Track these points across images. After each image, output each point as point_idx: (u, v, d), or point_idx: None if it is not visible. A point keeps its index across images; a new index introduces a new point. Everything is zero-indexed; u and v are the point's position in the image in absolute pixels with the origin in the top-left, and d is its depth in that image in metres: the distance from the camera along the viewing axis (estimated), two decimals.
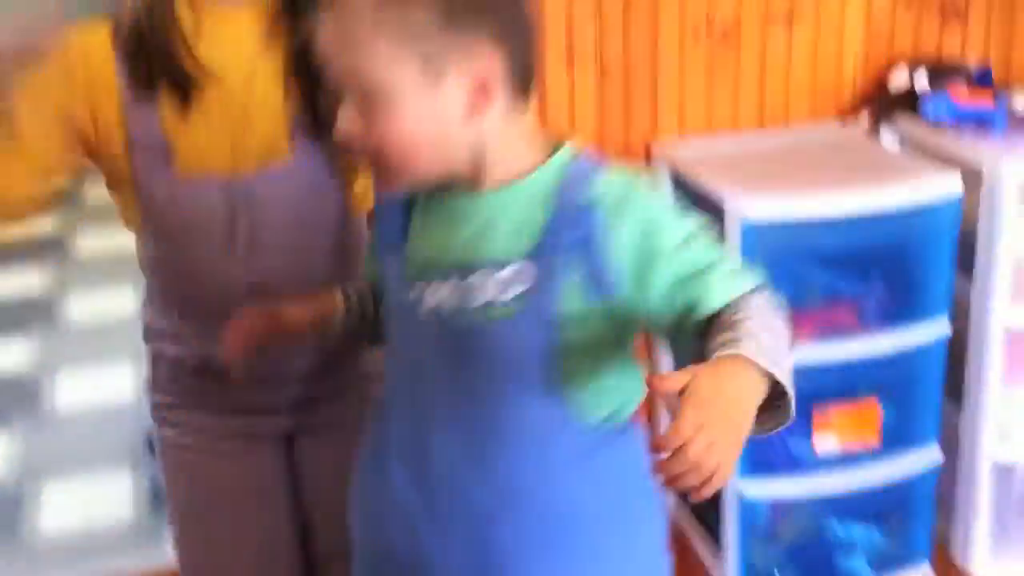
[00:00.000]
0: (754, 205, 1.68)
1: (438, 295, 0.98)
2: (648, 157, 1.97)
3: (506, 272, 0.96)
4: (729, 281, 0.93)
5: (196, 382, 1.27)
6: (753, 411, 0.83)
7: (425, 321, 0.98)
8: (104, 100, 1.16)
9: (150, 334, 1.31)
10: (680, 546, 2.05)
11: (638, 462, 1.02)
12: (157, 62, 1.15)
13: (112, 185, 1.22)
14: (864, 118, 2.00)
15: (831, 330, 1.77)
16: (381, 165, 0.95)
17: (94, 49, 1.16)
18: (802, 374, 1.74)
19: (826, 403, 1.79)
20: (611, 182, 0.96)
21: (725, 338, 0.86)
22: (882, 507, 1.90)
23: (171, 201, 1.18)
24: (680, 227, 0.95)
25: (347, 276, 1.21)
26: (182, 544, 1.35)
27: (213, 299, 1.19)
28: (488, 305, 0.96)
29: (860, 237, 1.75)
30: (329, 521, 1.29)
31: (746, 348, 0.84)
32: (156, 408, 1.34)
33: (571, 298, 0.95)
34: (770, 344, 0.86)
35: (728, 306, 0.91)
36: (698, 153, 1.91)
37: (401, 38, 0.90)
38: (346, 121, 0.93)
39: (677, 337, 0.95)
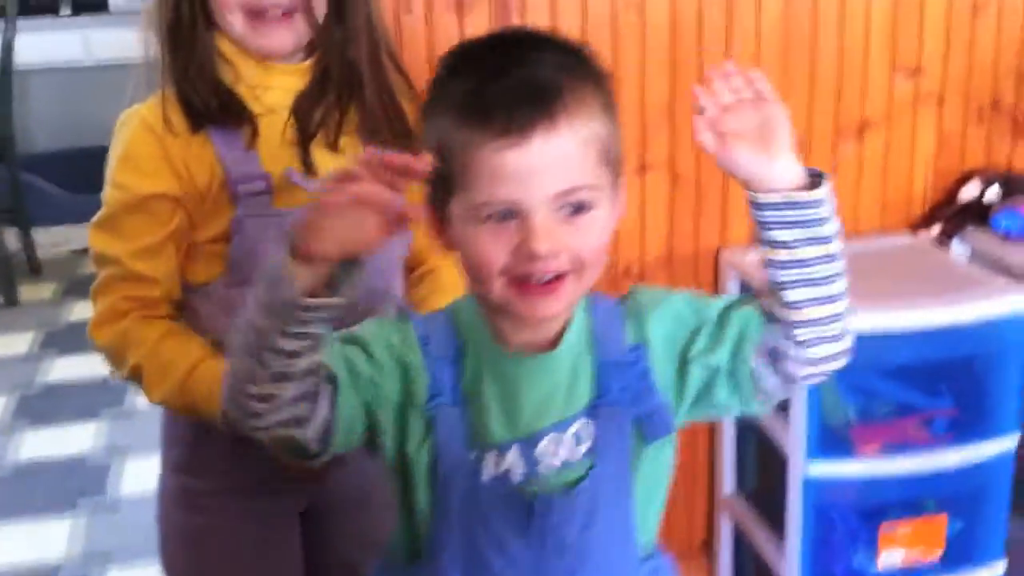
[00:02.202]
0: None
1: (505, 462, 0.94)
2: (717, 264, 1.99)
3: (571, 432, 0.95)
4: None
5: (226, 449, 1.25)
6: None
7: (489, 486, 0.94)
8: (194, 160, 1.20)
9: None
10: None
11: None
12: (214, 102, 1.20)
13: (198, 235, 1.24)
14: (935, 230, 2.00)
15: (899, 443, 1.75)
16: (573, 278, 0.90)
17: (155, 119, 1.20)
18: (869, 488, 1.75)
19: (892, 518, 1.77)
20: (645, 317, 0.97)
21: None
22: None
23: (264, 235, 1.20)
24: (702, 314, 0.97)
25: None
26: None
27: None
28: (558, 469, 0.94)
29: (929, 350, 1.74)
30: None
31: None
32: (179, 491, 1.33)
33: (635, 443, 0.96)
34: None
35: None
36: None
37: (599, 150, 0.90)
38: (552, 236, 0.88)
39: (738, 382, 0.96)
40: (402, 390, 0.94)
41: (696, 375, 0.96)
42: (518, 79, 0.88)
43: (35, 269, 4.01)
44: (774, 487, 1.85)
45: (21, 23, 3.79)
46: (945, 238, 1.97)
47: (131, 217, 1.20)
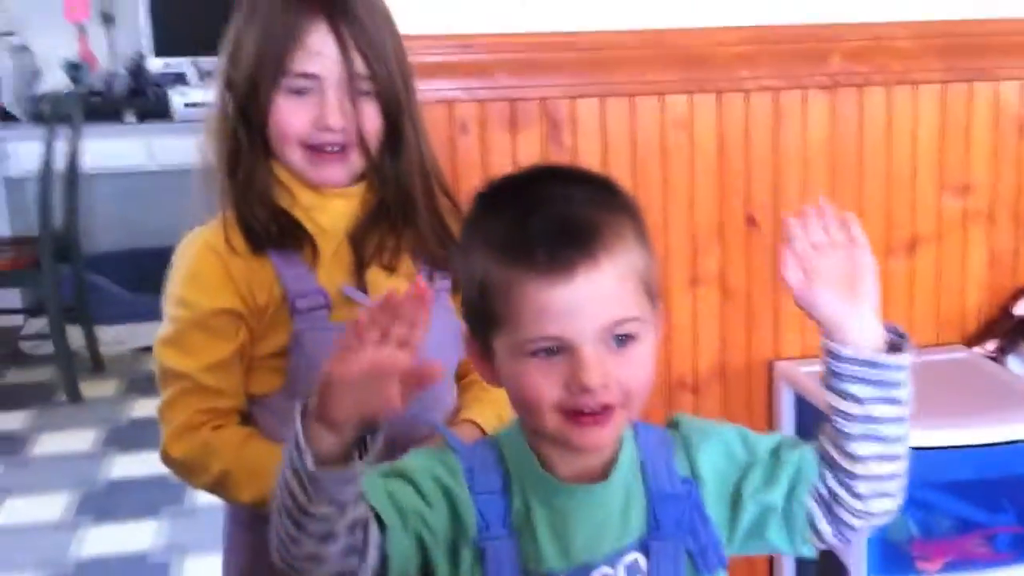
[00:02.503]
0: None
1: None
2: (770, 376, 2.01)
3: (624, 564, 0.94)
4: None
5: None
6: None
7: None
8: (255, 279, 1.25)
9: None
10: None
11: None
12: (273, 227, 1.25)
13: (257, 350, 1.28)
14: (990, 346, 2.01)
15: (962, 560, 1.75)
16: (621, 410, 0.90)
17: (217, 241, 1.25)
18: None
19: None
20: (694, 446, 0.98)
21: None
22: None
23: (328, 349, 1.24)
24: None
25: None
26: None
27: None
28: None
29: (989, 466, 1.74)
30: None
31: None
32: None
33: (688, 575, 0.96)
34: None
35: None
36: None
37: (638, 281, 0.91)
38: (601, 368, 0.88)
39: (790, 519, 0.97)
40: (451, 525, 0.93)
41: (749, 512, 0.97)
42: (556, 217, 0.89)
43: (98, 366, 4.10)
44: None
45: (87, 129, 3.93)
46: (1001, 354, 1.98)
47: (199, 333, 1.24)
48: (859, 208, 1.98)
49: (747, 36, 1.89)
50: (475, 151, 1.82)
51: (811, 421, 1.91)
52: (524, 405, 0.91)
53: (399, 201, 1.30)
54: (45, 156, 3.73)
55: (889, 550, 1.74)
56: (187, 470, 1.28)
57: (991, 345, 1.99)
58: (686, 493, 0.96)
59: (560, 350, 0.88)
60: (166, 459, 1.28)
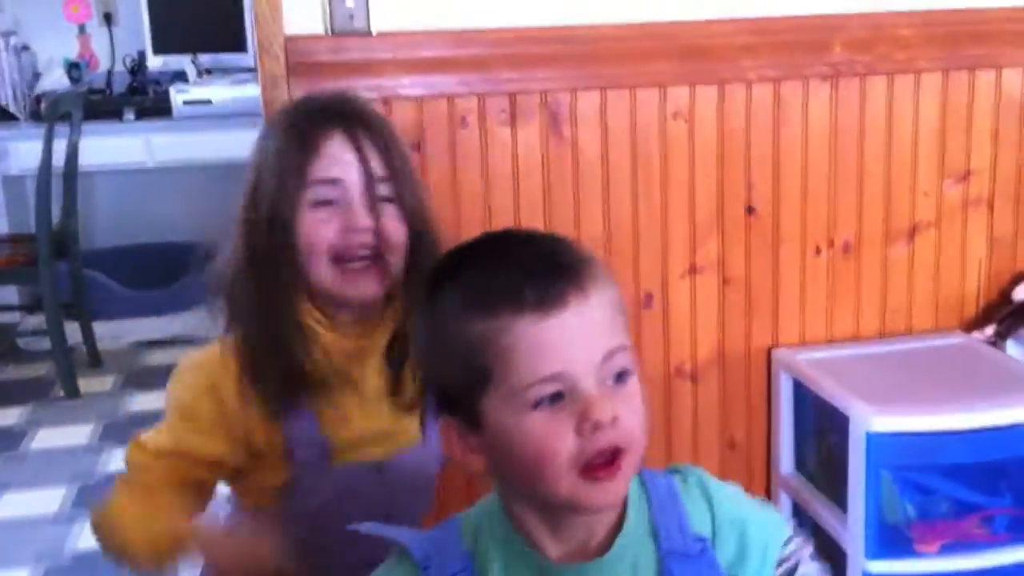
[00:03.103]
0: (879, 418, 1.70)
1: None
2: (769, 364, 2.02)
3: None
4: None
5: None
6: None
7: None
8: (256, 422, 1.24)
9: None
10: None
11: None
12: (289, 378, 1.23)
13: (247, 481, 1.30)
14: (989, 330, 2.02)
15: (959, 542, 1.75)
16: (627, 457, 0.86)
17: (229, 378, 1.23)
18: None
19: None
20: (707, 507, 0.94)
21: None
22: None
23: (323, 489, 1.26)
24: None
25: None
26: None
27: (340, 561, 1.21)
28: None
29: (987, 449, 1.75)
30: None
31: None
32: None
33: None
34: None
35: None
36: (820, 361, 1.94)
37: (619, 312, 0.89)
38: (608, 403, 0.85)
39: None
40: None
41: None
42: (535, 257, 0.88)
43: (95, 362, 4.10)
44: None
45: (87, 127, 3.94)
46: (999, 339, 1.99)
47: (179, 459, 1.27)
48: (859, 195, 1.99)
49: (748, 27, 1.89)
50: (475, 145, 1.83)
51: (809, 408, 1.92)
52: (533, 466, 0.84)
53: None
54: (44, 154, 3.74)
55: (887, 533, 1.74)
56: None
57: (990, 330, 2.00)
58: (699, 552, 0.92)
59: (561, 396, 0.84)
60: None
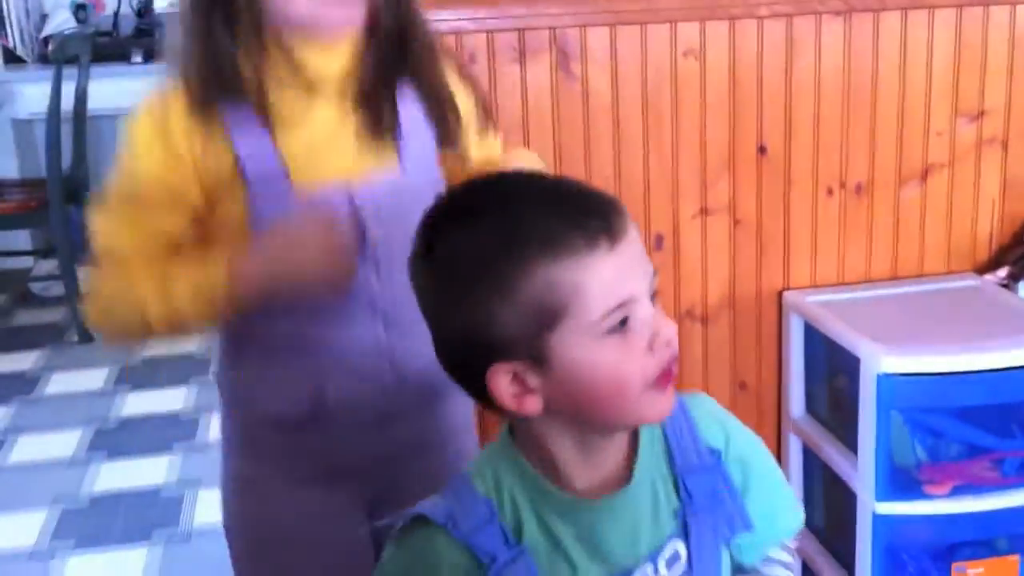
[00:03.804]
0: (890, 359, 1.70)
1: None
2: (780, 306, 2.01)
3: (665, 557, 0.94)
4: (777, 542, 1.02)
5: (287, 442, 1.27)
6: None
7: None
8: (206, 136, 1.16)
9: (238, 400, 1.30)
10: None
11: None
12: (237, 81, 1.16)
13: (209, 224, 1.21)
14: (1001, 273, 2.00)
15: (969, 484, 1.75)
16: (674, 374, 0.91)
17: (176, 109, 1.16)
18: (940, 527, 1.75)
19: (964, 557, 1.77)
20: (721, 427, 0.99)
21: None
22: None
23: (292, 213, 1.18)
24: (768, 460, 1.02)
25: None
26: None
27: (338, 330, 1.20)
28: None
29: (998, 392, 1.74)
30: None
31: None
32: (236, 481, 1.34)
33: (723, 546, 0.97)
34: None
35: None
36: (831, 303, 1.93)
37: None
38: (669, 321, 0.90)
39: None
40: None
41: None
42: (581, 195, 0.90)
43: None
44: (843, 524, 1.86)
45: (95, 70, 3.91)
46: (1012, 281, 1.98)
47: (135, 207, 1.19)
48: (872, 135, 1.97)
49: None
50: (484, 82, 1.80)
51: (820, 350, 1.92)
52: (611, 391, 0.88)
53: (399, 51, 1.22)
54: (53, 97, 3.72)
55: (897, 475, 1.75)
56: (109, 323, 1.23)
57: (1003, 272, 1.99)
58: (714, 464, 0.96)
59: (627, 320, 0.87)
60: (91, 318, 1.23)
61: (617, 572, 0.93)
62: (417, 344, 1.08)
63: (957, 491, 1.74)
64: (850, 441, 1.80)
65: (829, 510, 1.99)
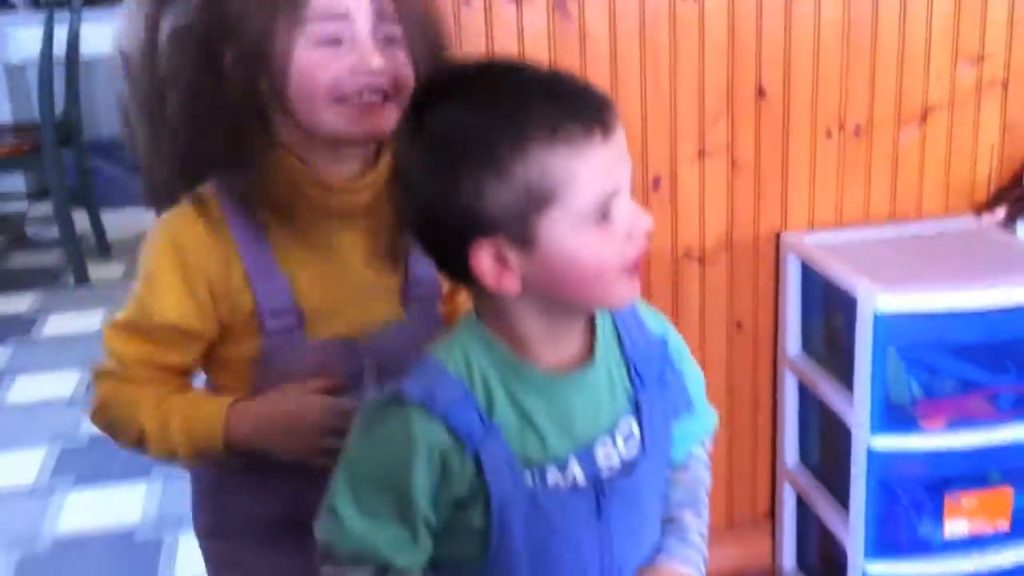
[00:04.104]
0: (887, 297, 1.72)
1: (568, 475, 0.97)
2: (778, 248, 2.02)
3: (621, 432, 1.00)
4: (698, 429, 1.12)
5: (246, 489, 1.25)
6: None
7: (553, 494, 0.97)
8: (226, 276, 1.14)
9: (222, 489, 1.27)
10: None
11: None
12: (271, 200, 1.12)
13: (219, 357, 1.20)
14: (999, 214, 2.02)
15: (964, 419, 1.78)
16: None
17: (194, 236, 1.13)
18: (933, 461, 1.78)
19: (957, 489, 1.80)
20: (659, 321, 1.07)
21: (673, 520, 1.08)
22: None
23: (297, 363, 1.18)
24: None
25: None
26: None
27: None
28: (618, 467, 0.99)
29: (993, 329, 1.77)
30: None
31: (684, 557, 1.05)
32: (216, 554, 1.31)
33: (671, 428, 1.05)
34: (699, 542, 1.07)
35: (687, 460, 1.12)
36: (828, 244, 1.95)
37: None
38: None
39: None
40: (448, 465, 0.94)
41: None
42: (581, 89, 0.93)
43: (104, 250, 4.12)
44: (837, 458, 1.89)
45: (87, 13, 3.88)
46: (1010, 221, 1.99)
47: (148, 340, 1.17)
48: (871, 77, 1.97)
49: None
50: (479, 24, 1.79)
51: (817, 290, 1.93)
52: (590, 275, 0.92)
53: None
54: (45, 41, 3.69)
55: (892, 411, 1.77)
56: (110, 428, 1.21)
57: (1001, 213, 2.00)
58: (661, 350, 1.04)
59: (609, 210, 0.91)
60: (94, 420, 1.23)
61: (581, 444, 0.98)
62: None
63: (952, 426, 1.77)
64: (846, 379, 1.82)
65: (824, 447, 2.02)
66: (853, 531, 1.83)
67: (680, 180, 1.96)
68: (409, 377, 0.95)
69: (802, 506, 2.08)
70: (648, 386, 1.02)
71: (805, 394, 2.02)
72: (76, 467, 2.74)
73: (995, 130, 2.05)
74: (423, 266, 1.18)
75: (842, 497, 1.88)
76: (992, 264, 1.84)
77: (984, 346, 1.80)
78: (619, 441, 1.00)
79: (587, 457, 0.98)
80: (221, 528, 1.29)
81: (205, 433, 1.15)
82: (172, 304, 1.13)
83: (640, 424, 1.01)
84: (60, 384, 3.18)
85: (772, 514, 2.17)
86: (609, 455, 0.99)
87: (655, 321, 1.06)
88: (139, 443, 1.18)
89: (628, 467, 1.00)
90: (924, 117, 2.01)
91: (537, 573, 0.97)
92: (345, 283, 1.18)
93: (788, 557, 2.14)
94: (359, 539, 0.95)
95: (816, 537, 2.07)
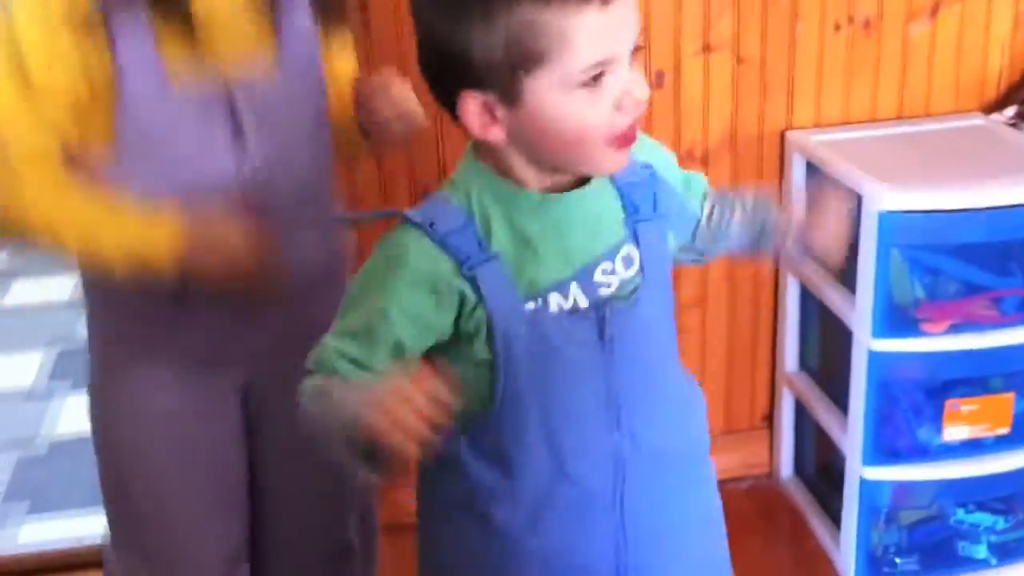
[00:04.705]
0: (892, 195, 1.68)
1: (570, 298, 0.99)
2: (782, 146, 1.98)
3: (620, 256, 1.01)
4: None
5: (157, 328, 1.25)
6: None
7: (557, 319, 0.99)
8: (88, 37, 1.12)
9: (102, 280, 1.26)
10: (799, 528, 2.06)
11: None
12: None
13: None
14: (1009, 112, 1.97)
15: (966, 322, 1.76)
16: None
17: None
18: (934, 364, 1.76)
19: (958, 395, 1.78)
20: (641, 144, 1.04)
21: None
22: (1008, 495, 1.88)
23: (168, 116, 1.16)
24: None
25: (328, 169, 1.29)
26: (128, 499, 1.32)
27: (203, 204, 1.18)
28: (618, 292, 1.01)
29: (999, 230, 1.73)
30: (282, 482, 1.36)
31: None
32: (102, 365, 1.33)
33: (672, 248, 1.07)
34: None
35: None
36: (834, 143, 1.90)
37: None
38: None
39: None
40: (442, 297, 0.97)
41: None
42: None
43: None
44: (838, 363, 1.87)
45: None
46: (1020, 120, 1.94)
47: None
48: None
49: None
50: None
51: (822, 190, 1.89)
52: (572, 138, 0.94)
53: None
54: None
55: (895, 313, 1.75)
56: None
57: (1011, 111, 1.96)
58: (650, 176, 1.05)
59: (600, 77, 0.91)
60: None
61: (579, 270, 1.00)
62: (299, 235, 1.20)
63: (954, 328, 1.75)
64: (848, 281, 1.79)
65: (825, 351, 2.00)
66: (852, 435, 1.82)
67: (683, 76, 1.92)
68: (415, 207, 0.99)
69: (801, 413, 2.08)
70: (643, 214, 1.04)
71: (806, 297, 1.99)
72: (74, 370, 2.73)
73: (1006, 25, 1.99)
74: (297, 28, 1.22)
75: (841, 402, 1.87)
76: (1000, 164, 1.79)
77: (989, 247, 1.77)
78: (619, 265, 1.01)
79: (587, 280, 1.00)
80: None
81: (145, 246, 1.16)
82: (56, 70, 1.12)
83: (639, 250, 1.02)
84: (58, 287, 3.16)
85: (771, 421, 2.16)
86: (609, 279, 1.00)
87: (638, 148, 1.03)
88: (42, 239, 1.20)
89: (630, 294, 1.01)
90: (935, 11, 1.95)
91: (544, 410, 1.00)
92: (209, 16, 1.16)
93: (786, 465, 2.14)
94: (322, 349, 0.98)
95: (814, 445, 2.07)
